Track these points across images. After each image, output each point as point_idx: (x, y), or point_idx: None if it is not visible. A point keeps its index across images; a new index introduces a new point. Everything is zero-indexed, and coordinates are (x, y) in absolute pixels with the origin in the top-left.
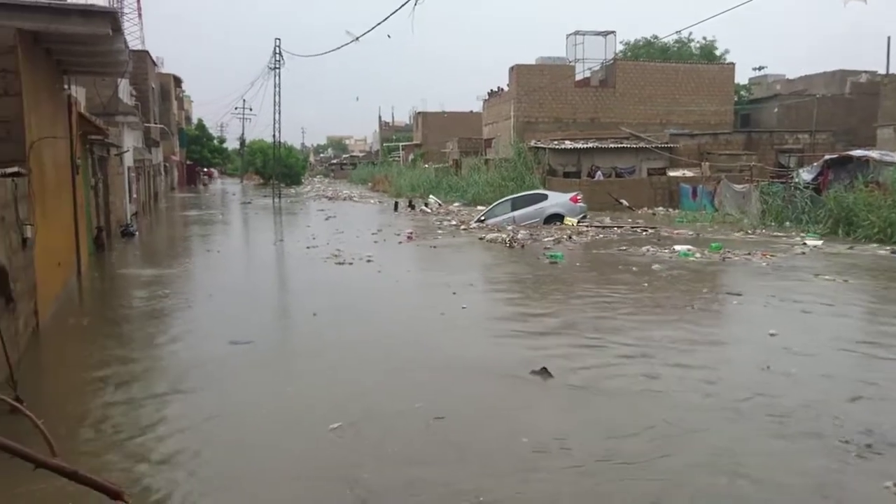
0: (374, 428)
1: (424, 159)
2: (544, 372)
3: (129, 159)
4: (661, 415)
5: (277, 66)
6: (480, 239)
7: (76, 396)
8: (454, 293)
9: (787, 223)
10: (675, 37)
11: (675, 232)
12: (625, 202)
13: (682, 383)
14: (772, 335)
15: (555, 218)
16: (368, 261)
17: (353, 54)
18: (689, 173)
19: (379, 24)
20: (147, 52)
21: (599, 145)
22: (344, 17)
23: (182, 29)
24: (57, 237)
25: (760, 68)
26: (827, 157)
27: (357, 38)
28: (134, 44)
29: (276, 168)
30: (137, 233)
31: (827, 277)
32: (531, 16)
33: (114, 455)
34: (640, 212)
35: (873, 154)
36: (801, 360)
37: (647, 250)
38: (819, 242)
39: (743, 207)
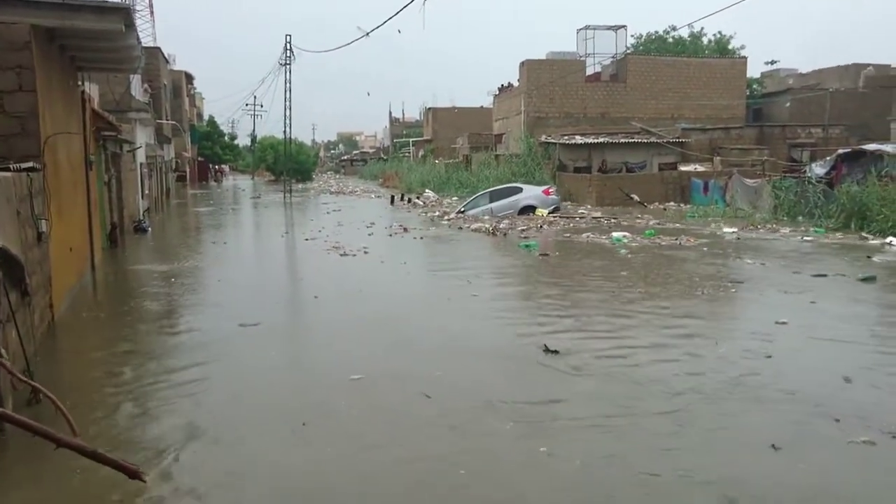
0: (372, 388)
1: (435, 155)
2: (550, 350)
3: (141, 156)
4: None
5: (288, 62)
6: (459, 229)
7: (92, 385)
8: (469, 282)
9: (800, 218)
10: (689, 31)
11: (637, 221)
12: (636, 197)
13: (669, 361)
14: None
15: (528, 209)
16: (365, 252)
17: (364, 51)
18: (700, 168)
19: (389, 18)
20: (159, 48)
21: (610, 140)
22: (354, 13)
23: (193, 26)
24: (71, 232)
25: (773, 62)
26: (840, 151)
27: (367, 34)
28: (146, 41)
29: (287, 164)
30: (150, 228)
31: (748, 261)
32: (542, 11)
33: (133, 438)
34: (651, 207)
35: (887, 148)
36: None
37: (588, 237)
38: (734, 229)
39: (755, 202)
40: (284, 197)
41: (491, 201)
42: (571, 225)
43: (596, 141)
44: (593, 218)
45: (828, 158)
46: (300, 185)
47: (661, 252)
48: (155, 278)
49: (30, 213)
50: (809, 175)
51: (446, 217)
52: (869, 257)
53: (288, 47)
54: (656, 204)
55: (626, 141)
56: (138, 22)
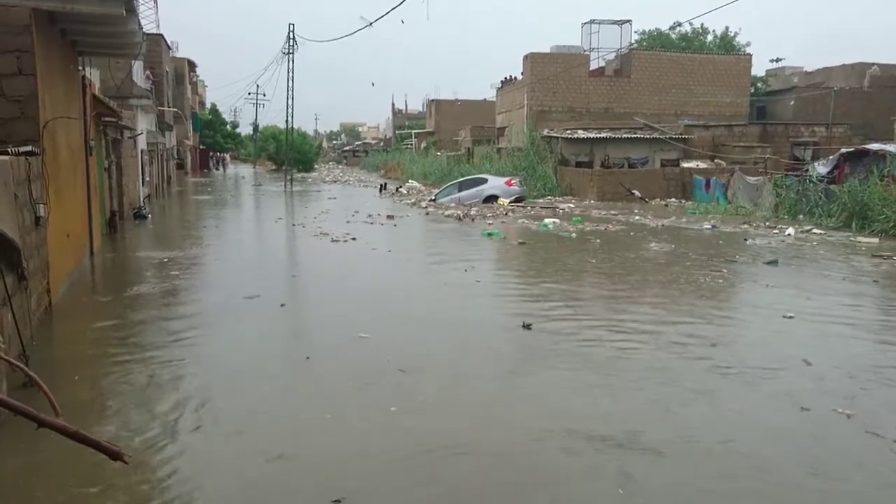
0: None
1: (437, 147)
2: (527, 326)
3: (142, 142)
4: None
5: (291, 51)
6: (427, 214)
7: (90, 365)
8: (465, 270)
9: (801, 216)
10: (694, 26)
11: (578, 213)
12: (637, 193)
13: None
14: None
15: (492, 198)
16: (353, 239)
17: (367, 42)
18: (702, 164)
19: (393, 9)
20: (162, 35)
21: (613, 135)
22: (358, 6)
23: (196, 16)
24: (70, 217)
25: (778, 60)
26: (843, 150)
27: (371, 24)
28: (149, 27)
29: (289, 154)
30: (150, 215)
31: (654, 245)
32: (548, 4)
33: (143, 418)
34: (652, 203)
35: (890, 148)
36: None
37: (522, 222)
38: (641, 217)
39: (756, 200)
40: (285, 186)
41: (459, 191)
42: (532, 212)
43: (598, 136)
44: (543, 208)
45: (831, 157)
46: (301, 175)
47: (609, 236)
48: (154, 263)
49: (28, 198)
50: (812, 174)
51: (421, 204)
52: (745, 240)
53: (291, 36)
54: (657, 200)
55: (629, 136)
56: (141, 7)
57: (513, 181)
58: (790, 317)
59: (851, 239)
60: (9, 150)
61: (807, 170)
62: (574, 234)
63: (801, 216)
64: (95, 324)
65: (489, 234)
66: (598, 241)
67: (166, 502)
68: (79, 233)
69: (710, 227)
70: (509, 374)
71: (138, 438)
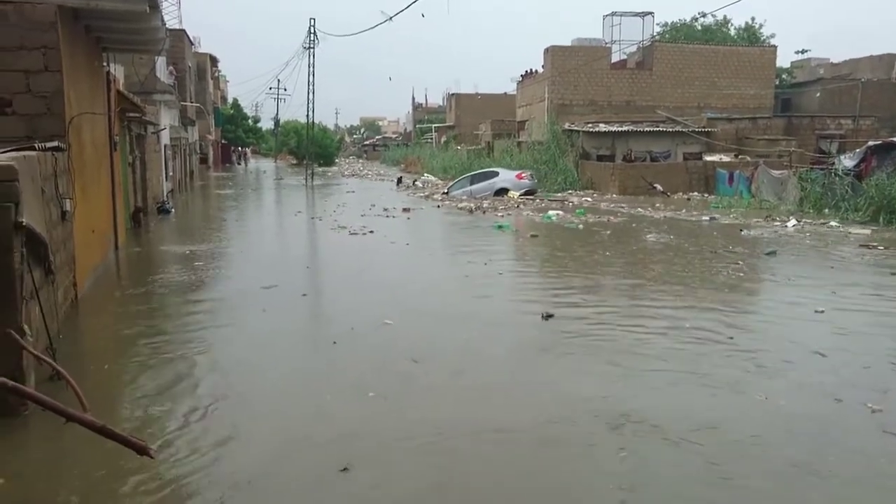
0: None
1: (457, 141)
2: (547, 317)
3: (165, 137)
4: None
5: (312, 45)
6: (438, 207)
7: (114, 362)
8: (485, 263)
9: (826, 210)
10: (717, 17)
11: (583, 204)
12: (659, 187)
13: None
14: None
15: (503, 191)
16: (371, 231)
17: (386, 37)
18: (725, 158)
19: (413, 2)
20: (184, 31)
21: (634, 129)
22: (378, 2)
23: (216, 10)
24: (95, 212)
25: (804, 52)
26: (870, 143)
27: (391, 18)
28: (172, 23)
29: (310, 148)
30: (173, 210)
31: (651, 237)
32: None
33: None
34: (675, 197)
35: None
36: None
37: (527, 214)
38: (642, 210)
39: (780, 194)
40: (306, 180)
41: (471, 184)
42: (542, 205)
43: (620, 129)
44: (552, 201)
45: (857, 150)
46: (322, 169)
47: (613, 227)
48: (177, 256)
49: (54, 192)
50: (838, 167)
51: (434, 197)
52: (741, 231)
53: (312, 31)
54: (680, 194)
55: (651, 129)
56: (164, 4)
57: (523, 174)
58: (821, 311)
59: (841, 230)
60: (35, 145)
61: (833, 163)
62: (581, 226)
63: (826, 210)
64: (121, 316)
65: (500, 227)
66: (608, 232)
67: (188, 476)
68: (104, 227)
69: (707, 219)
70: (529, 363)
71: (163, 422)
